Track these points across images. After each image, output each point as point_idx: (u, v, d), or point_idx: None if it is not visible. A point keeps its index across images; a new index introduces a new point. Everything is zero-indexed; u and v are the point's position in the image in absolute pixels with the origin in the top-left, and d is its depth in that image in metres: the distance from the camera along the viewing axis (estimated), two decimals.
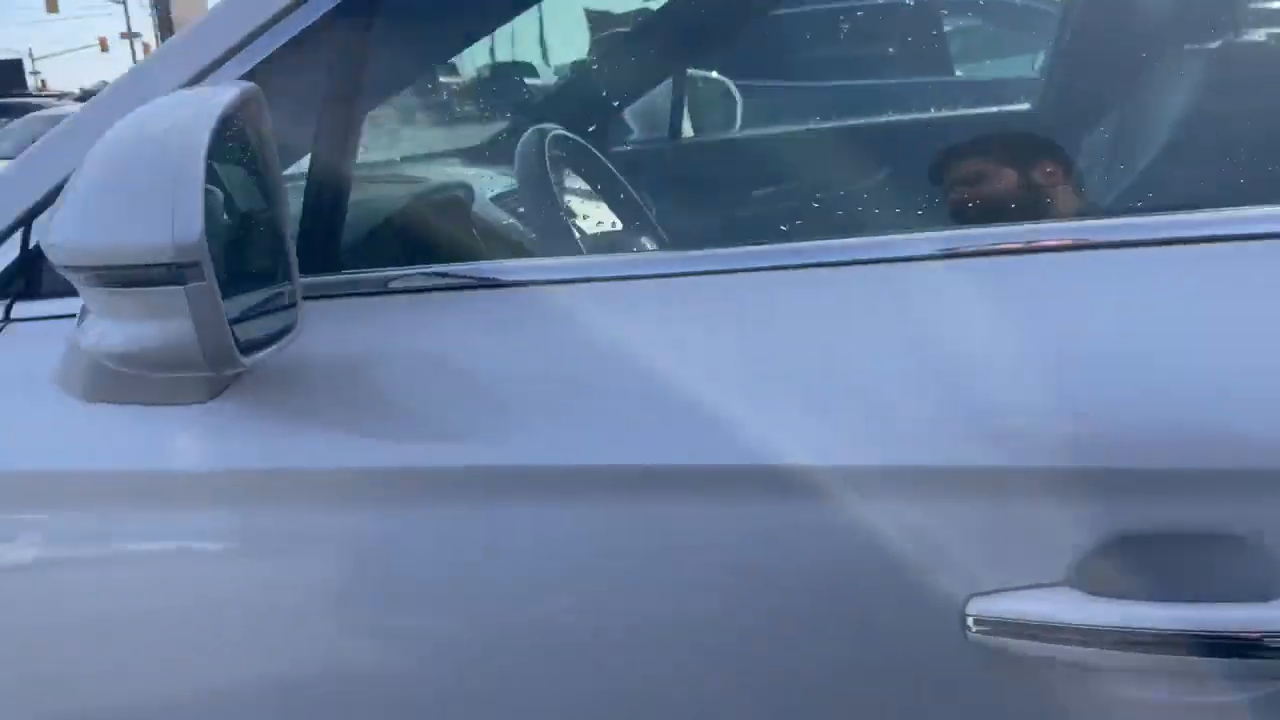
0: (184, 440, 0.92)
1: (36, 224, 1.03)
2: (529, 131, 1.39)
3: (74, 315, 1.00)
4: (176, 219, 0.71)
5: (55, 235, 0.79)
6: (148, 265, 0.72)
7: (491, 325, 0.91)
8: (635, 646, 0.84)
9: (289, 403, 0.91)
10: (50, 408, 0.95)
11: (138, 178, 0.73)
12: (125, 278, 0.74)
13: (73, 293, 1.01)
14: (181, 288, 0.72)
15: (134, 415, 0.93)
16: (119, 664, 0.94)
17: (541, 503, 0.84)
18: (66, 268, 0.79)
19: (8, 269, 1.03)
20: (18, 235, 1.03)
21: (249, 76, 1.00)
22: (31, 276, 1.04)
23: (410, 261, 0.99)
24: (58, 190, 1.01)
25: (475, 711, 0.89)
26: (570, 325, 0.88)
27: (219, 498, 0.91)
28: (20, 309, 1.03)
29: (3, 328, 1.02)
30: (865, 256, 0.87)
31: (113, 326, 0.79)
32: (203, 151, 0.73)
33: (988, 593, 0.77)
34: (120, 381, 0.92)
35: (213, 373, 0.77)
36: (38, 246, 1.03)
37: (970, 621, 0.78)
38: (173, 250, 0.71)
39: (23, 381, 0.98)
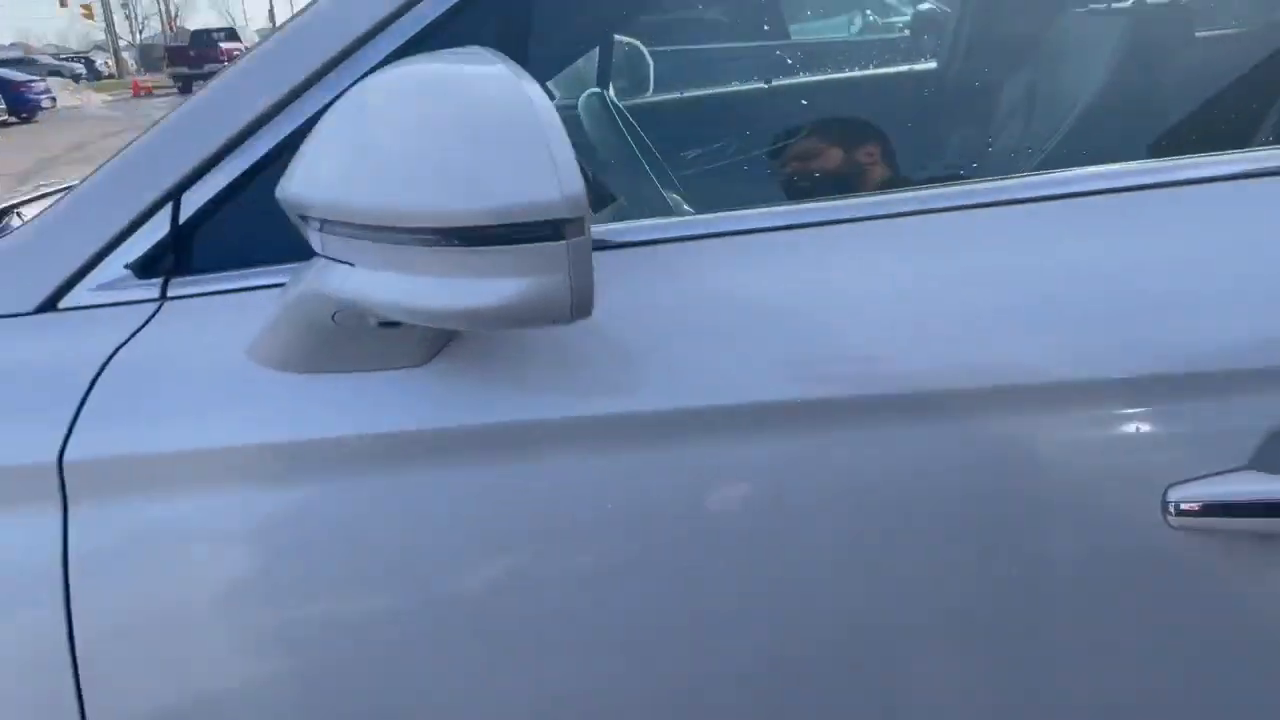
0: (406, 402, 0.92)
1: (187, 198, 1.01)
2: (586, 96, 1.42)
3: (223, 291, 0.99)
4: (561, 175, 0.72)
5: (364, 199, 0.77)
6: (523, 224, 0.73)
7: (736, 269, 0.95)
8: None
9: (503, 360, 0.94)
10: (243, 381, 0.94)
11: (484, 140, 0.73)
12: (482, 237, 0.74)
13: (224, 267, 1.00)
14: (564, 243, 0.73)
15: (340, 382, 0.93)
16: (361, 631, 0.94)
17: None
18: (375, 228, 0.77)
19: (159, 245, 1.00)
20: (166, 211, 1.00)
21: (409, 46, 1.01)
22: (181, 253, 1.01)
23: None
24: (211, 163, 1.00)
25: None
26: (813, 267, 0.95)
27: (440, 457, 0.93)
28: (175, 286, 1.00)
29: (160, 305, 0.99)
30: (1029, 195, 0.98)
31: (438, 284, 0.77)
32: (553, 108, 0.74)
33: (1184, 481, 0.89)
34: (333, 349, 0.92)
35: (565, 323, 0.77)
36: (188, 222, 1.01)
37: (1171, 508, 0.89)
38: (564, 206, 0.72)
39: (201, 356, 0.96)
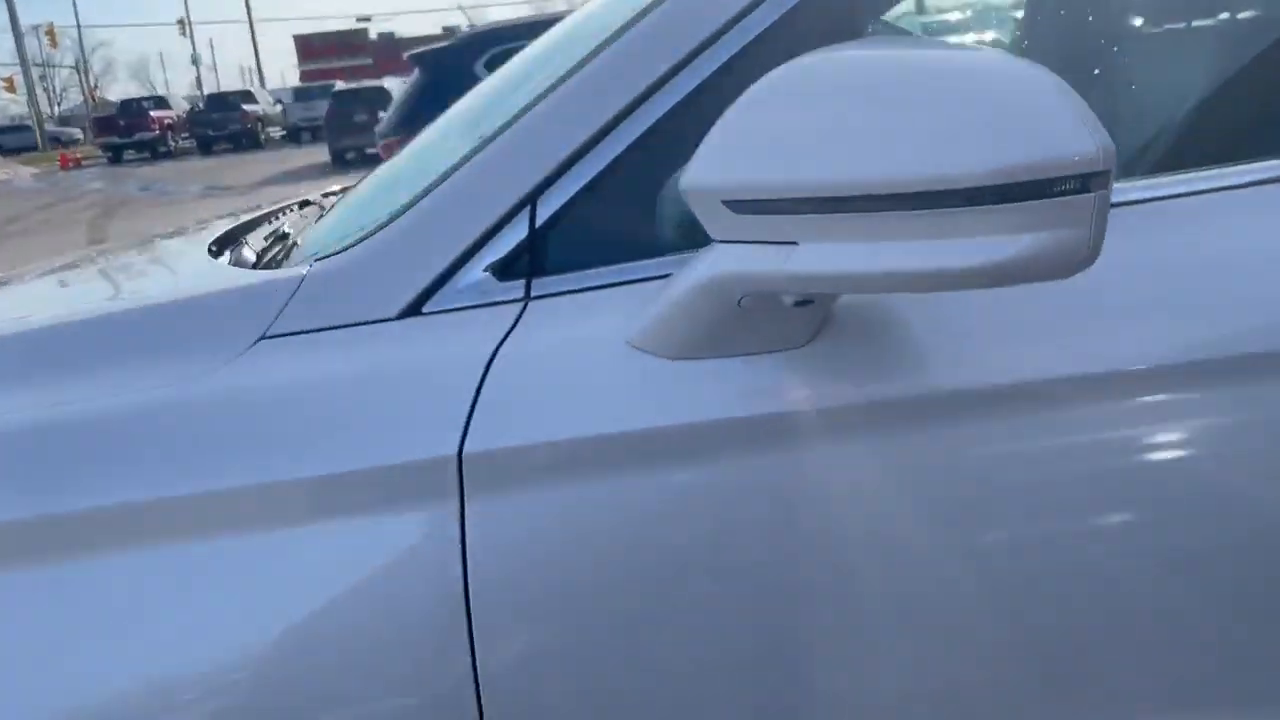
0: (799, 380, 0.95)
1: (543, 200, 1.03)
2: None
3: (586, 288, 1.02)
4: (1091, 129, 0.74)
5: (874, 172, 0.79)
6: (1044, 180, 0.74)
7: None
8: None
9: (881, 336, 0.97)
10: (630, 370, 0.96)
11: (994, 104, 0.76)
12: (991, 195, 0.74)
13: (579, 266, 1.03)
14: (1091, 195, 0.76)
15: (728, 366, 0.96)
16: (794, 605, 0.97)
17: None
18: (872, 198, 0.79)
19: (518, 247, 1.02)
20: (525, 214, 1.03)
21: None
22: (538, 253, 1.03)
23: None
24: (566, 165, 1.03)
25: None
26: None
27: (835, 433, 0.95)
28: (537, 286, 1.02)
29: (525, 305, 1.01)
30: None
31: (931, 247, 0.79)
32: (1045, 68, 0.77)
33: None
34: (729, 333, 0.94)
35: (1065, 277, 0.79)
36: (545, 223, 1.03)
37: None
38: (1099, 158, 0.74)
39: (580, 350, 0.98)
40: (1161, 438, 0.98)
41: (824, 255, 0.84)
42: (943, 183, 0.76)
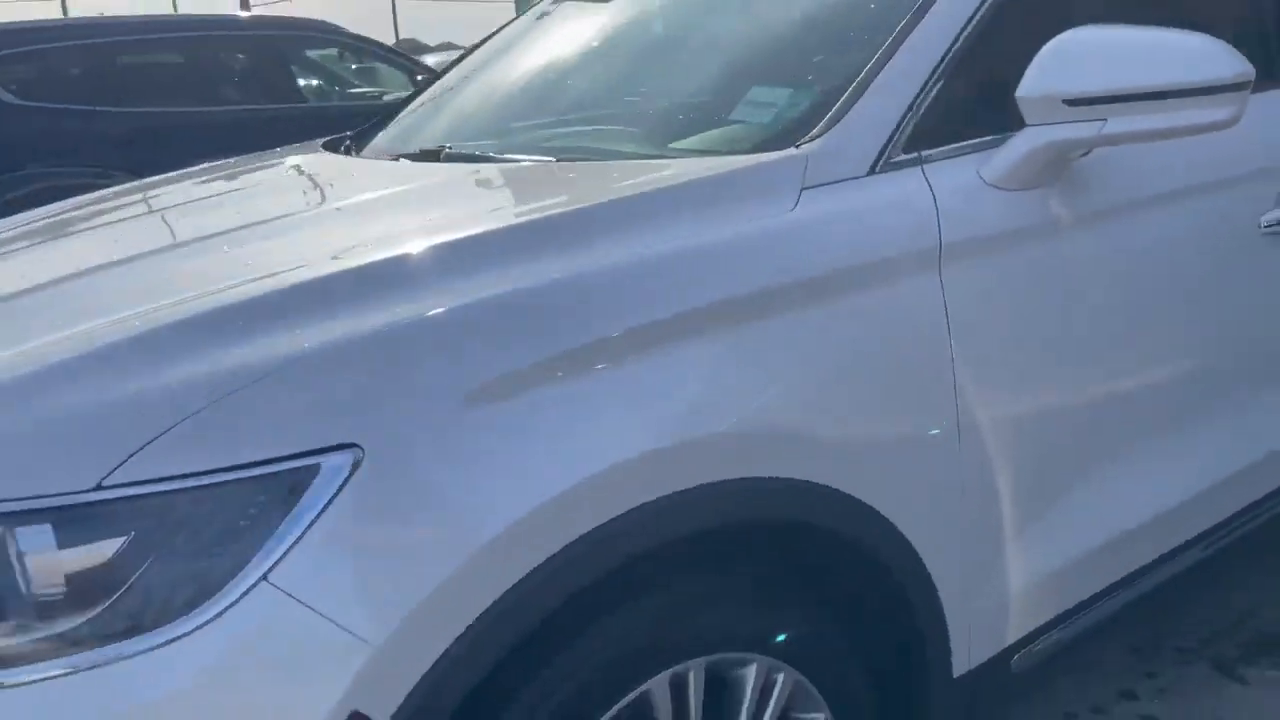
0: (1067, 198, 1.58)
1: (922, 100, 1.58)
2: None
3: (951, 155, 1.55)
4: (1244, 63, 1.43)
5: (1150, 82, 1.45)
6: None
7: None
8: None
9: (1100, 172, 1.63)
10: (987, 191, 1.52)
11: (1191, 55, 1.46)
12: None
13: (949, 141, 1.57)
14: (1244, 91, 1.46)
15: (1039, 193, 1.56)
16: None
17: None
18: None
19: (915, 130, 1.51)
20: (914, 110, 1.53)
21: None
22: (923, 133, 1.54)
23: None
24: (937, 78, 1.58)
25: None
26: None
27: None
28: (925, 154, 1.53)
29: (922, 163, 1.51)
30: None
31: (1189, 114, 1.48)
32: None
33: None
34: (1037, 176, 1.54)
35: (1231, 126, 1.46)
36: (926, 114, 1.55)
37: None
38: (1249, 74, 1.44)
39: (962, 182, 1.53)
40: None
41: (1124, 124, 1.44)
42: (1186, 86, 1.40)
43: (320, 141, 2.44)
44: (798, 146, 1.46)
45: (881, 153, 1.47)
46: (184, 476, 1.01)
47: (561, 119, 1.99)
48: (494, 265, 1.22)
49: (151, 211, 2.05)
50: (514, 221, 1.43)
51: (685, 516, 1.20)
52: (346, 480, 1.03)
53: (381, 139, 2.33)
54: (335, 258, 1.30)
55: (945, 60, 1.53)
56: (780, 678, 1.34)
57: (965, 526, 1.45)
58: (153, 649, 0.98)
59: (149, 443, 1.01)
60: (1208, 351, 1.82)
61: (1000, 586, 1.53)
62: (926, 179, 1.47)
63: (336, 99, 7.54)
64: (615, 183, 1.53)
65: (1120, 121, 1.44)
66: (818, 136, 1.48)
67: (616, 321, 1.20)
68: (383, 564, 1.04)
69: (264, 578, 0.99)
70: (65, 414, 1.06)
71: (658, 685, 1.24)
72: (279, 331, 1.12)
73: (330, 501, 1.02)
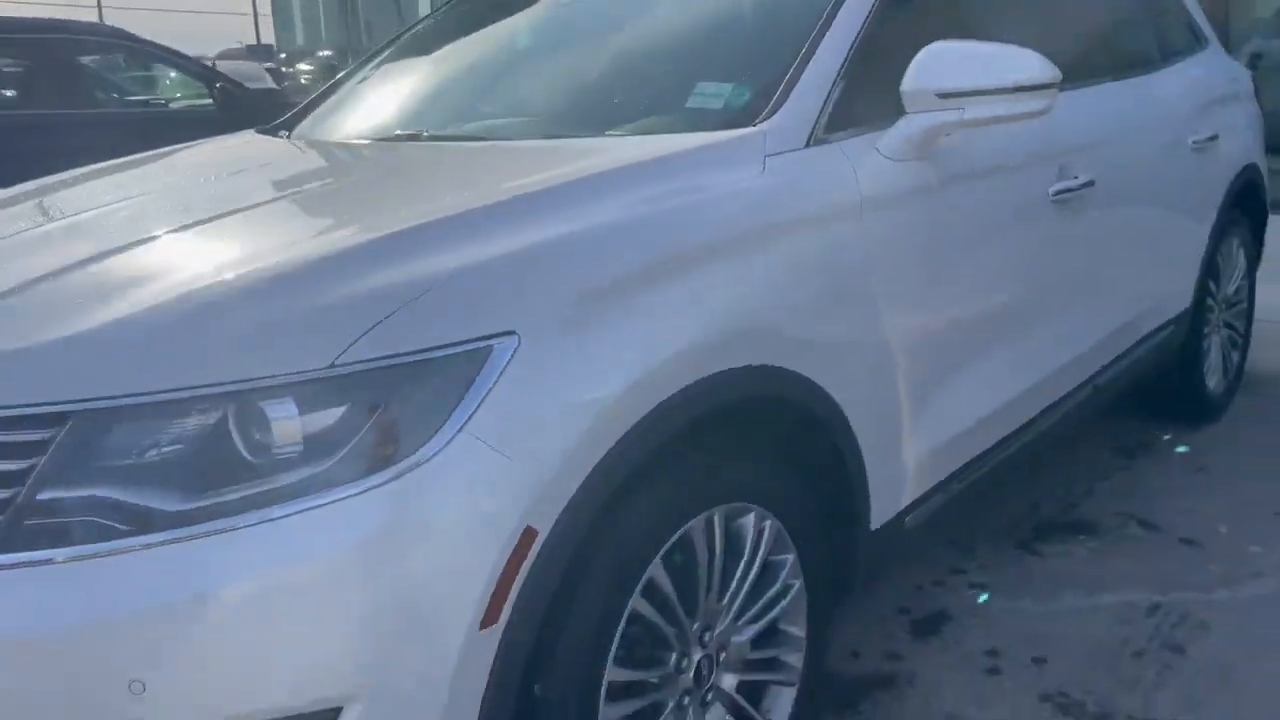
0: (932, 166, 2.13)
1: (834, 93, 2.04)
2: None
3: (851, 136, 2.04)
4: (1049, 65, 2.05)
5: (993, 83, 2.03)
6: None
7: None
8: None
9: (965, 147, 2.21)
10: (881, 161, 2.03)
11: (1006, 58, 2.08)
12: None
13: (850, 126, 2.06)
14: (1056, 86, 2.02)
15: (919, 165, 2.11)
16: None
17: None
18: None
19: (831, 117, 2.01)
20: (831, 99, 2.02)
21: None
22: (834, 120, 2.03)
23: None
24: (841, 76, 2.08)
25: None
26: None
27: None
28: (833, 136, 2.01)
29: (833, 142, 2.00)
30: None
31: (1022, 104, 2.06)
32: None
33: None
34: (917, 150, 2.08)
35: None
36: (835, 104, 2.03)
37: None
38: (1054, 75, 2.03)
39: (863, 153, 2.01)
40: None
41: (976, 111, 1.99)
42: (1016, 84, 1.99)
43: (253, 130, 2.74)
44: (755, 125, 1.92)
45: (812, 132, 1.95)
46: (394, 356, 1.33)
47: (523, 108, 2.36)
48: (579, 206, 1.61)
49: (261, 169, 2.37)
50: (581, 175, 1.78)
51: (718, 392, 1.62)
52: (511, 357, 1.38)
53: (326, 127, 2.65)
54: (461, 201, 1.65)
55: (844, 66, 2.04)
56: (767, 524, 1.78)
57: (880, 403, 1.96)
58: (380, 485, 1.29)
59: (366, 331, 1.33)
60: (1027, 282, 2.44)
61: (901, 455, 2.05)
62: (844, 153, 1.96)
63: (117, 105, 7.36)
64: (631, 151, 1.91)
65: (974, 110, 1.99)
66: (769, 117, 1.94)
67: (666, 250, 1.62)
68: (540, 417, 1.39)
69: (461, 429, 1.33)
70: (306, 311, 1.37)
71: (695, 527, 1.65)
72: (453, 249, 1.47)
73: (501, 373, 1.37)
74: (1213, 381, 3.68)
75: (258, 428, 1.30)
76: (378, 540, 1.29)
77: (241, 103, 6.85)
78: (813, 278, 1.83)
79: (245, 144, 2.73)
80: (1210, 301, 3.57)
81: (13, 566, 1.28)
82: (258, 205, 1.92)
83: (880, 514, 2.04)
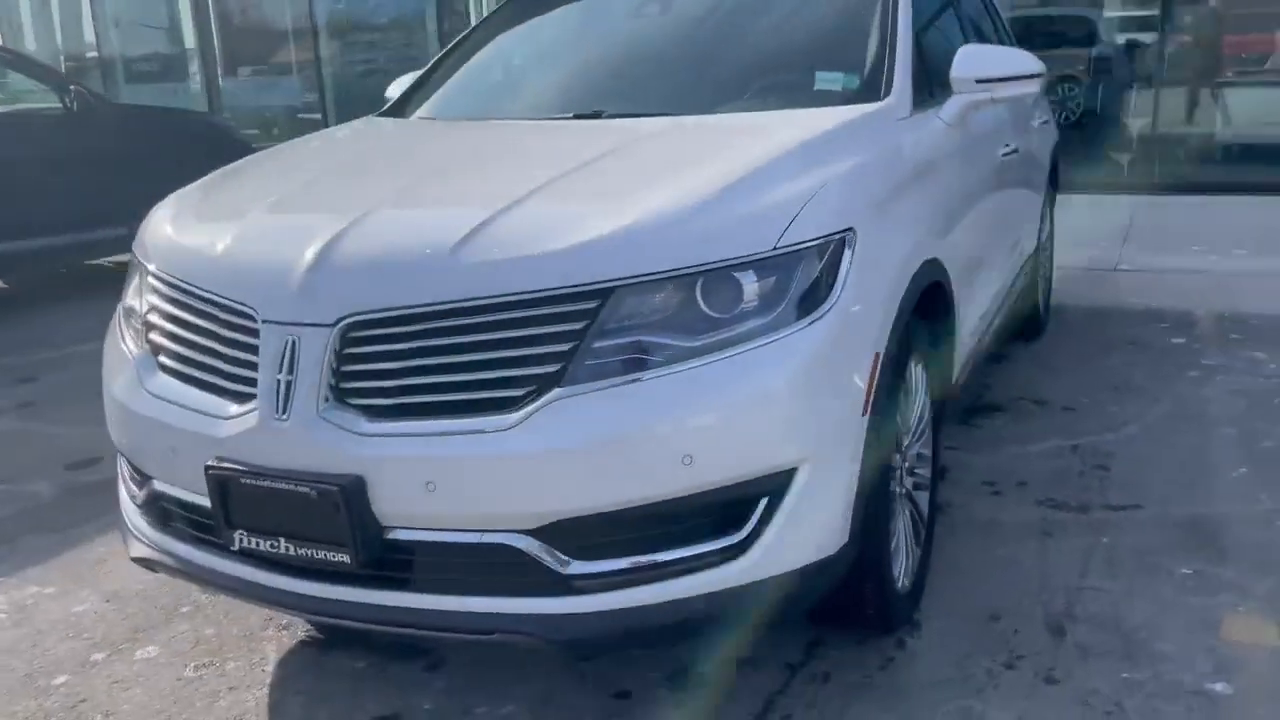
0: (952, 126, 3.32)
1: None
2: None
3: (930, 108, 2.67)
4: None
5: (1008, 71, 3.00)
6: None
7: None
8: None
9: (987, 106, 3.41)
10: (940, 126, 2.94)
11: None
12: None
13: (931, 101, 2.68)
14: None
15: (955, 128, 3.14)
16: None
17: None
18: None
19: (918, 96, 2.85)
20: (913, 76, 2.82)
21: None
22: (917, 96, 2.83)
23: None
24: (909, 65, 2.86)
25: None
26: None
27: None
28: (919, 105, 2.82)
29: (930, 111, 2.77)
30: None
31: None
32: None
33: None
34: (961, 121, 3.14)
35: None
36: (913, 80, 2.77)
37: None
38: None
39: (932, 122, 2.90)
40: None
41: (1001, 92, 2.98)
42: (1022, 73, 2.98)
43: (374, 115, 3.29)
44: (882, 102, 2.74)
45: (911, 108, 2.80)
46: (804, 242, 2.04)
47: (675, 93, 3.04)
48: (839, 151, 2.38)
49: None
50: (821, 131, 2.50)
51: (925, 270, 2.45)
52: (856, 243, 2.13)
53: (462, 108, 3.31)
54: (765, 149, 2.35)
55: (910, 66, 2.89)
56: (920, 368, 2.62)
57: (961, 277, 2.83)
58: (805, 328, 2.00)
59: (788, 226, 2.03)
60: (997, 209, 3.46)
61: (968, 316, 2.99)
62: (925, 121, 2.82)
63: None
64: (817, 120, 2.61)
65: (999, 91, 2.93)
66: (885, 98, 2.77)
67: (892, 178, 2.44)
68: (870, 281, 2.15)
69: (841, 290, 2.06)
70: (748, 213, 2.06)
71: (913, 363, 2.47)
72: (795, 177, 2.20)
73: (854, 253, 2.12)
74: (1042, 309, 4.95)
75: (732, 290, 1.98)
76: (809, 361, 2.01)
77: (98, 111, 6.76)
78: (932, 197, 2.67)
79: (451, 129, 3.19)
80: (1041, 243, 4.80)
81: (588, 392, 1.89)
82: (606, 155, 2.46)
83: (956, 372, 2.94)
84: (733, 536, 1.98)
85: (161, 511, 2.31)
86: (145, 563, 2.38)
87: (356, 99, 11.01)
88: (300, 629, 2.69)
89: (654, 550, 1.96)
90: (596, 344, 1.93)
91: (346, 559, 1.99)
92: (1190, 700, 2.24)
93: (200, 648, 2.63)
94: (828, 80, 2.87)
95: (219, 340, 2.15)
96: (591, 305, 1.93)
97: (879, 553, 2.28)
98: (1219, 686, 2.28)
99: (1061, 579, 2.77)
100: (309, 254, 2.07)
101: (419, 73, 3.67)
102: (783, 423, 1.99)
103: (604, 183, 2.30)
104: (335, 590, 2.05)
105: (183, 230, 2.44)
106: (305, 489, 1.97)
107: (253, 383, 2.06)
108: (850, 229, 2.15)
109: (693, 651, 2.44)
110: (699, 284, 1.97)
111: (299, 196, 2.53)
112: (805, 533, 2.04)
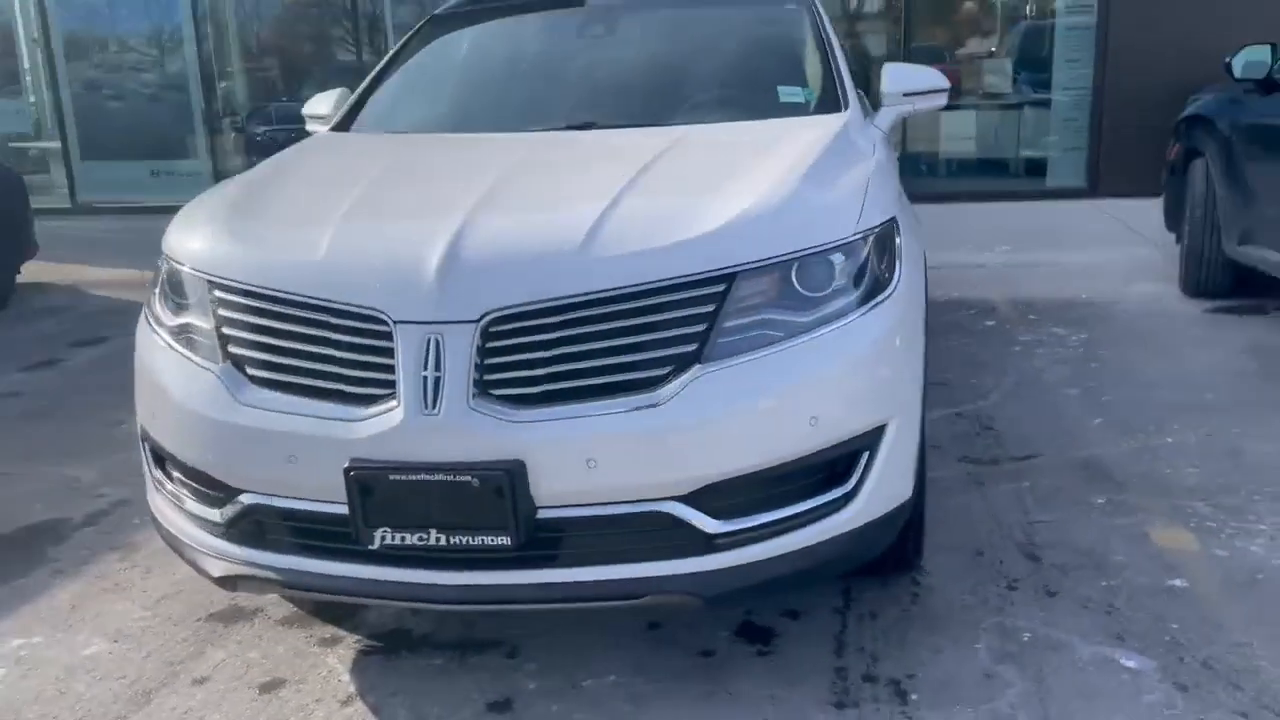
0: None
1: None
2: None
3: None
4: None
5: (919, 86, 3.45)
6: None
7: None
8: None
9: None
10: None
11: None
12: None
13: None
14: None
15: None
16: None
17: None
18: None
19: None
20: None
21: None
22: None
23: None
24: None
25: None
26: None
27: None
28: None
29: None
30: None
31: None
32: None
33: None
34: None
35: None
36: None
37: None
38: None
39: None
40: None
41: (920, 104, 3.45)
42: (935, 89, 3.46)
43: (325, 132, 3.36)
44: (844, 112, 3.11)
45: (864, 117, 3.18)
46: (873, 227, 2.36)
47: (653, 106, 3.25)
48: (851, 152, 2.72)
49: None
50: (833, 134, 2.85)
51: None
52: (900, 230, 2.46)
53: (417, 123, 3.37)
54: (801, 149, 2.65)
55: (853, 82, 3.29)
56: None
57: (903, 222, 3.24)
58: (883, 301, 2.31)
59: (860, 214, 2.34)
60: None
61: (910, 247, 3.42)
62: (872, 127, 3.22)
63: None
64: (818, 127, 2.95)
65: (919, 103, 3.37)
66: (847, 109, 3.14)
67: (889, 169, 2.80)
68: (913, 255, 2.50)
69: (900, 267, 2.39)
70: (829, 205, 2.36)
71: None
72: (853, 170, 2.54)
73: (901, 239, 2.45)
74: None
75: (825, 271, 2.26)
76: (893, 327, 2.33)
77: None
78: (886, 177, 2.94)
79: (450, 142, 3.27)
80: None
81: (726, 366, 2.11)
82: (659, 159, 2.65)
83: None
84: (844, 487, 2.26)
85: (255, 526, 2.28)
86: (229, 582, 2.33)
87: (99, 127, 10.28)
88: (350, 640, 2.69)
89: (782, 505, 2.20)
90: (728, 323, 2.15)
91: (508, 540, 2.09)
92: (1163, 595, 2.73)
93: (255, 670, 2.58)
94: (790, 94, 3.21)
95: (333, 345, 2.18)
96: (720, 289, 2.15)
97: (922, 499, 2.63)
98: (1178, 582, 2.80)
99: (1010, 517, 3.24)
100: (436, 256, 2.15)
101: (340, 91, 3.69)
102: (881, 383, 2.29)
103: (680, 182, 2.53)
104: (485, 576, 2.14)
105: (258, 242, 2.43)
106: (467, 477, 2.05)
107: (382, 383, 2.12)
108: (894, 217, 2.49)
109: (748, 608, 2.69)
110: (796, 267, 2.24)
111: (375, 203, 2.58)
112: (891, 481, 2.34)
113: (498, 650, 2.61)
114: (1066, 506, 3.30)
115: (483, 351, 2.10)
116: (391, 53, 3.80)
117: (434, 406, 2.07)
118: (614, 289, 2.12)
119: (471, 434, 2.06)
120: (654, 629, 2.67)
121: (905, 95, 3.34)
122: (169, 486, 2.47)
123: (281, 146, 3.34)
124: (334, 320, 2.18)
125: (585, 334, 2.12)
